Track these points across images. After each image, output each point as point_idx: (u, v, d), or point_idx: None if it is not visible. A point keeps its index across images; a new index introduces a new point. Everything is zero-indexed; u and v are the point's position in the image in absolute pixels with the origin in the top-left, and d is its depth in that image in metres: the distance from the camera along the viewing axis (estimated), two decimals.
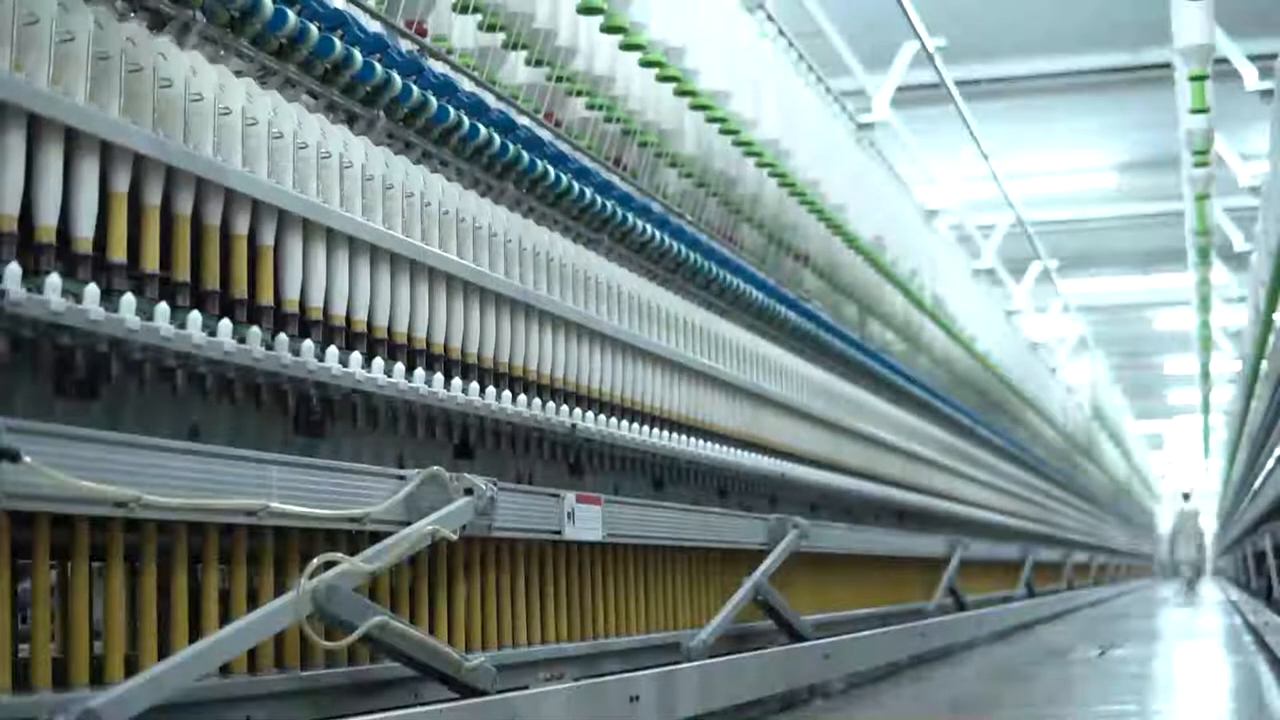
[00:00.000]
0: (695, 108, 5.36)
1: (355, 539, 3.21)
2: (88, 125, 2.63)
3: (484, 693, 3.30)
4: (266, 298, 3.11)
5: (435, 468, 3.42)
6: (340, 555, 3.03)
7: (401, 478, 3.37)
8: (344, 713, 3.15)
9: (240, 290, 3.03)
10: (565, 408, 4.25)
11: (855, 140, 8.35)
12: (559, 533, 4.03)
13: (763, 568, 5.41)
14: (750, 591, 5.30)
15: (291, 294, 3.16)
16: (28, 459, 2.35)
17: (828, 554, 6.57)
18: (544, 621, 4.11)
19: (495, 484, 3.55)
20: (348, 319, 3.32)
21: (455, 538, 3.40)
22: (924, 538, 8.90)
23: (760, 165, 6.08)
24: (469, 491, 3.46)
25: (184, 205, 2.88)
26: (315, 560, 2.97)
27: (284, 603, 2.90)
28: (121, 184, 2.73)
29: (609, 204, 4.62)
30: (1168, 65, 9.58)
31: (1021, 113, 14.57)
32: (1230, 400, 23.69)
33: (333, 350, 3.22)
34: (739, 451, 5.63)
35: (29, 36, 2.54)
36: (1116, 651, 8.28)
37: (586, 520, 4.16)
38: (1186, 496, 31.22)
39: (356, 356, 3.29)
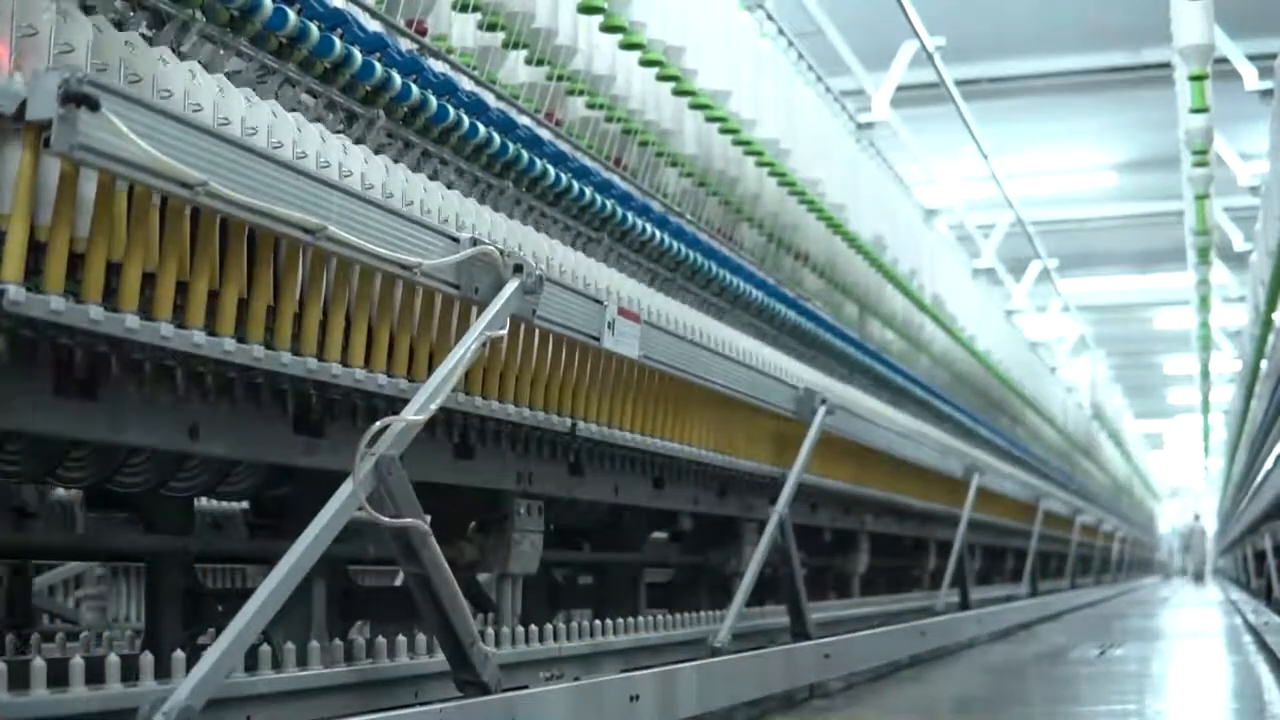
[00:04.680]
0: (695, 107, 5.36)
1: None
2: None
3: (486, 690, 3.30)
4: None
5: (485, 246, 3.42)
6: (390, 420, 3.06)
7: (455, 240, 3.38)
8: (343, 712, 3.15)
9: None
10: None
11: (855, 140, 8.34)
12: (598, 339, 4.06)
13: (785, 494, 5.53)
14: (772, 536, 5.33)
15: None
16: (107, 111, 2.36)
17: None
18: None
19: (542, 271, 3.57)
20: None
21: (504, 332, 3.42)
22: (943, 455, 9.14)
23: (760, 165, 6.08)
24: (518, 269, 3.45)
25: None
26: (369, 431, 3.01)
27: (346, 496, 2.94)
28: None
29: (609, 203, 4.62)
30: (1168, 65, 9.58)
31: (1021, 113, 14.58)
32: (1230, 400, 23.69)
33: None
34: None
35: (28, 48, 2.53)
36: (1116, 651, 8.28)
37: (625, 334, 4.19)
38: (1197, 517, 35.61)
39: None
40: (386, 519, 3.04)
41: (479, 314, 3.44)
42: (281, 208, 2.81)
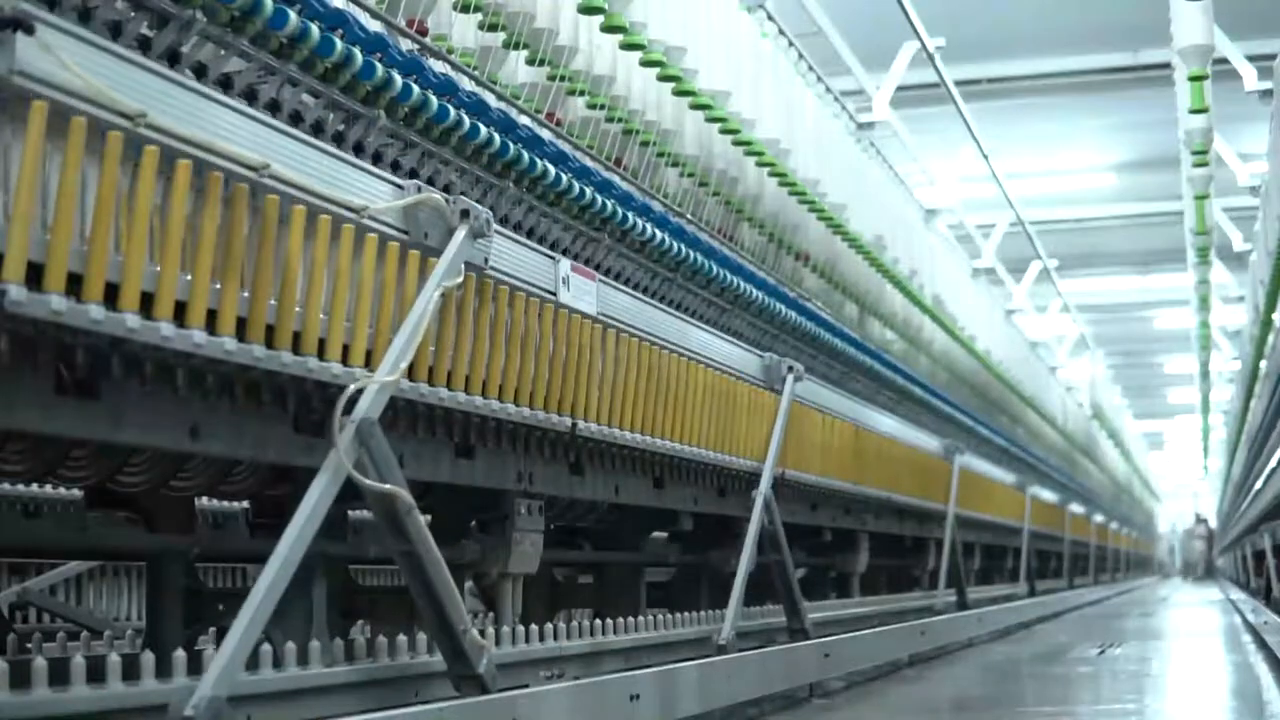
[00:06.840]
0: (695, 107, 5.37)
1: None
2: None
3: (482, 685, 3.30)
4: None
5: (431, 191, 3.42)
6: (364, 381, 3.07)
7: (400, 186, 3.37)
8: (343, 712, 3.15)
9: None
10: None
11: (855, 140, 8.35)
12: (554, 293, 4.05)
13: (766, 473, 5.45)
14: (759, 522, 5.30)
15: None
16: (43, 35, 2.34)
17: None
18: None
19: (489, 215, 3.54)
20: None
21: (459, 281, 3.41)
22: (921, 432, 9.08)
23: (760, 165, 6.09)
24: (465, 214, 3.43)
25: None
26: (343, 396, 3.01)
27: (333, 467, 2.97)
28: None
29: (609, 203, 4.62)
30: (1167, 65, 9.58)
31: (1021, 113, 14.59)
32: (1230, 399, 23.69)
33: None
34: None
35: None
36: (1115, 650, 8.28)
37: (581, 289, 4.18)
38: (1204, 520, 38.12)
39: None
40: (372, 482, 3.06)
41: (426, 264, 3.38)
42: (223, 143, 2.79)
